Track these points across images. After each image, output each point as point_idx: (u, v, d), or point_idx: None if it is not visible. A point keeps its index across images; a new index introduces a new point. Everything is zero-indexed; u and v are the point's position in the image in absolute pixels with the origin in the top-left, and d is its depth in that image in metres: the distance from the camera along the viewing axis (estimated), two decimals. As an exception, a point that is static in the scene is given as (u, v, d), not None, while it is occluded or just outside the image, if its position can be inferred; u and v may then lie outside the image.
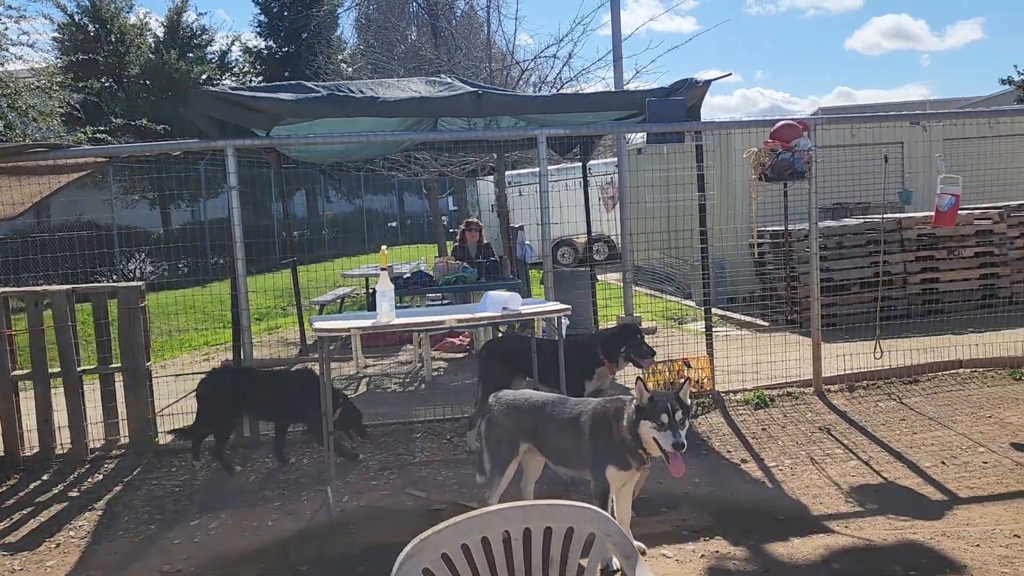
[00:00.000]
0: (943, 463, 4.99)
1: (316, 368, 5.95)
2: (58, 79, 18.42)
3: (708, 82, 6.39)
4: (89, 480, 5.60)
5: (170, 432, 6.01)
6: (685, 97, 6.26)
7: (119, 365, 6.00)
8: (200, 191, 20.32)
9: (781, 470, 5.06)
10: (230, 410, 5.69)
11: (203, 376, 5.95)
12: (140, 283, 6.03)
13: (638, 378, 3.58)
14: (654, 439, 3.45)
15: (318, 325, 4.56)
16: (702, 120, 6.51)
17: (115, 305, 5.99)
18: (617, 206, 17.00)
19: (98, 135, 17.81)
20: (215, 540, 4.45)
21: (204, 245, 18.54)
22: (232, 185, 5.92)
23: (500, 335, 9.22)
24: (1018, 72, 25.79)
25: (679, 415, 3.43)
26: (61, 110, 18.50)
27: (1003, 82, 26.86)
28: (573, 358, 5.30)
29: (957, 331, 8.15)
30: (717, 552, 3.94)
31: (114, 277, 17.56)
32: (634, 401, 3.52)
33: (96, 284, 6.20)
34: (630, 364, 5.57)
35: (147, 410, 6.02)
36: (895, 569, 3.66)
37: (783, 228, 9.48)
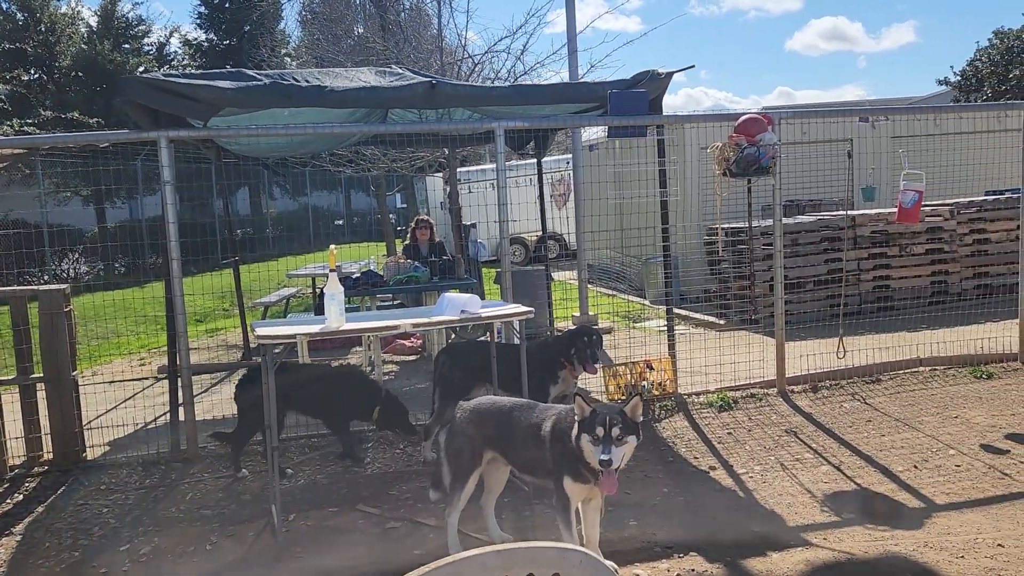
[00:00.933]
0: (915, 467, 4.86)
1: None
2: (-19, 69, 17.45)
3: (670, 74, 6.17)
4: (8, 500, 5.12)
5: (209, 436, 5.57)
6: (647, 90, 6.04)
7: (41, 375, 5.51)
8: (137, 187, 19.51)
9: (752, 477, 4.86)
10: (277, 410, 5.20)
11: (241, 377, 5.61)
12: (64, 286, 5.56)
13: (577, 392, 3.49)
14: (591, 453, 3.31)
15: (261, 331, 4.19)
16: (665, 113, 6.30)
17: (36, 309, 5.51)
18: (568, 203, 16.84)
19: (25, 128, 16.92)
20: (146, 568, 4.05)
21: (141, 244, 17.80)
22: (167, 179, 5.49)
23: (454, 338, 8.91)
24: (954, 73, 26.49)
25: (616, 431, 3.30)
26: (-14, 102, 17.57)
27: (940, 82, 27.57)
28: (536, 363, 5.03)
29: (911, 328, 8.13)
30: (693, 570, 3.70)
31: (45, 278, 16.71)
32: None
33: (13, 287, 5.68)
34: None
35: (73, 423, 5.55)
36: (880, 585, 3.48)
37: (746, 225, 9.36)
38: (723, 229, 10.09)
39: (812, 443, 5.41)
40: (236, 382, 5.69)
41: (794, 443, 5.43)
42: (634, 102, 5.93)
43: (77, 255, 18.15)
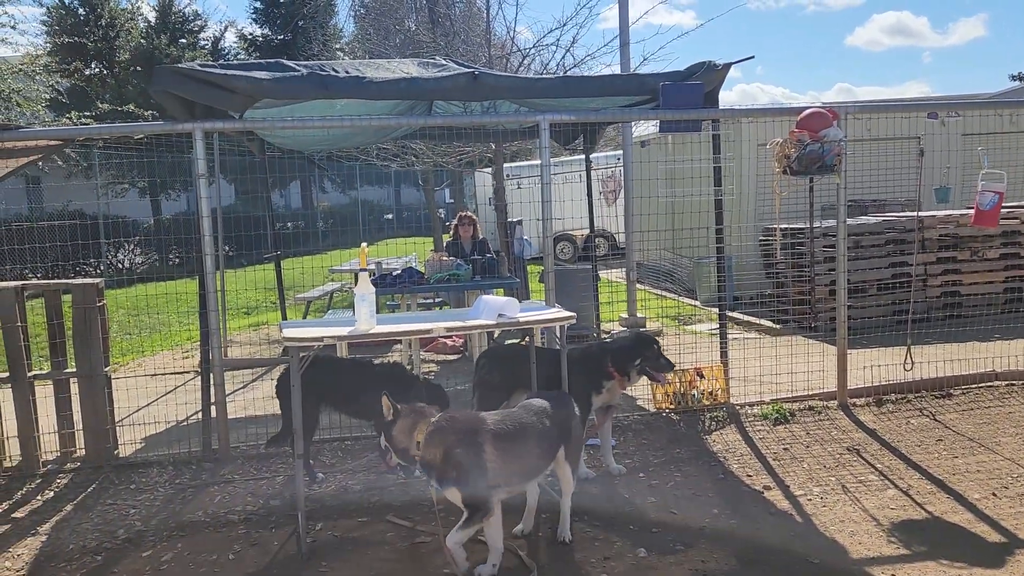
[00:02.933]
0: (994, 495, 4.43)
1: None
2: (42, 62, 17.77)
3: (728, 65, 5.81)
4: (39, 497, 5.03)
5: (265, 445, 5.36)
6: (703, 82, 5.68)
7: (74, 370, 5.42)
8: (192, 180, 19.75)
9: (810, 500, 4.50)
10: (313, 406, 5.03)
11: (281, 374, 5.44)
12: (98, 280, 5.45)
13: (384, 393, 3.63)
14: None
15: (288, 333, 3.99)
16: (721, 107, 5.94)
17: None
18: (619, 200, 16.46)
19: (83, 121, 17.19)
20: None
21: (194, 237, 17.98)
22: (201, 172, 5.34)
23: (496, 339, 8.66)
24: (1030, 68, 25.22)
25: None
26: (46, 95, 17.89)
27: (1013, 78, 26.37)
28: (580, 370, 4.75)
29: (982, 338, 7.61)
30: (745, 606, 3.38)
31: (100, 268, 17.00)
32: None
33: (48, 281, 5.60)
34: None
35: (105, 419, 5.45)
36: (957, 633, 3.11)
37: (806, 226, 8.90)
38: (781, 230, 9.63)
39: (877, 463, 5.01)
40: (278, 379, 5.47)
41: (857, 463, 5.04)
42: (688, 95, 5.58)
43: (132, 246, 18.45)
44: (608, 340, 5.31)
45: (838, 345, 6.18)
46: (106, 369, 5.46)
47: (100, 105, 20.36)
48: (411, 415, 3.61)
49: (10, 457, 5.44)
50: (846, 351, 6.17)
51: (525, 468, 3.74)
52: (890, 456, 5.12)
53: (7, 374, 5.34)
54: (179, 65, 5.46)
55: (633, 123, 10.38)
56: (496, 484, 3.56)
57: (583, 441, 4.55)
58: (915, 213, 8.49)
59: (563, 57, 10.61)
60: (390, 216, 28.40)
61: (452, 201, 22.19)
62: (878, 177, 8.64)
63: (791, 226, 9.53)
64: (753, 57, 6.69)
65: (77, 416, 5.53)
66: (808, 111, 5.56)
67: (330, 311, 10.67)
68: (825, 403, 6.16)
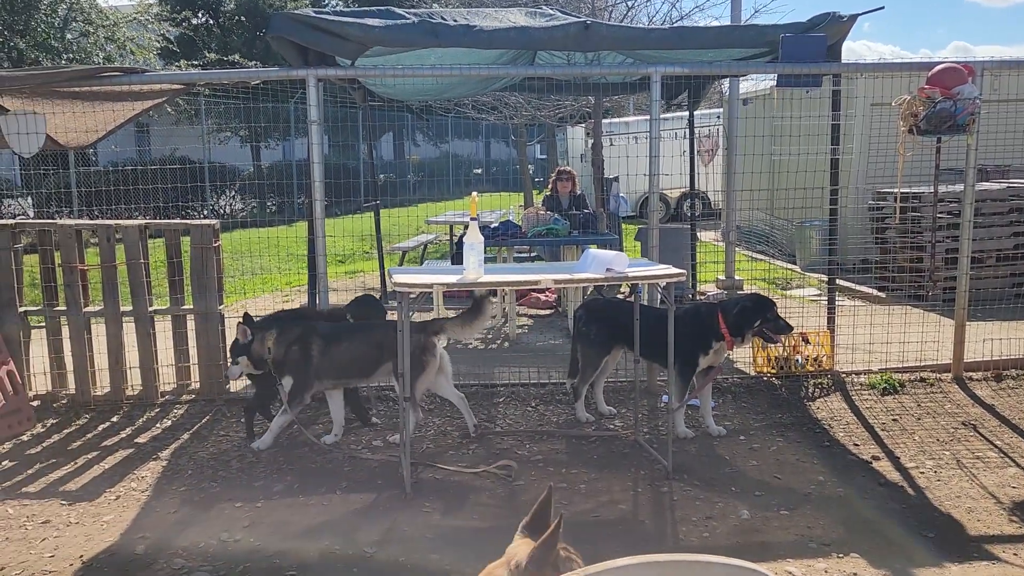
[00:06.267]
0: None
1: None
2: (154, 11, 18.37)
3: (854, 17, 5.50)
4: (157, 426, 5.33)
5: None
6: (825, 34, 5.40)
7: (191, 307, 5.68)
8: (290, 130, 20.17)
9: (922, 473, 4.33)
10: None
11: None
12: (215, 221, 5.66)
13: (239, 321, 4.78)
14: None
15: (398, 279, 4.05)
16: (843, 62, 5.64)
17: (189, 243, 5.65)
18: (715, 160, 16.00)
19: (192, 69, 17.76)
20: (278, 508, 4.06)
21: (292, 184, 18.45)
22: (313, 119, 5.43)
23: (591, 294, 8.61)
24: None
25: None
26: (158, 44, 18.54)
27: None
28: (688, 329, 4.68)
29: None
30: (855, 574, 3.29)
31: (204, 212, 17.70)
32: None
33: (169, 221, 5.85)
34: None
35: (219, 355, 5.70)
36: (1088, 619, 2.96)
37: (929, 190, 8.43)
38: (899, 194, 9.17)
39: (995, 440, 4.77)
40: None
41: (973, 438, 4.82)
42: (810, 47, 5.32)
43: (233, 192, 19.11)
44: (721, 300, 5.20)
45: (956, 315, 5.88)
46: (220, 307, 5.70)
47: (207, 54, 20.97)
48: (262, 331, 4.78)
49: (132, 387, 5.76)
50: (964, 322, 5.87)
51: (346, 368, 4.81)
52: (1010, 433, 4.87)
53: (130, 308, 5.64)
54: (295, 12, 5.54)
55: (739, 79, 10.00)
56: (319, 376, 4.75)
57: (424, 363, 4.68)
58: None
59: (669, 10, 10.29)
60: (479, 171, 28.49)
61: (544, 156, 22.06)
62: (1004, 141, 8.08)
63: (907, 190, 9.05)
64: (883, 8, 6.20)
65: (193, 351, 5.80)
66: (941, 66, 5.22)
67: (426, 262, 10.82)
68: (938, 375, 5.90)
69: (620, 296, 8.39)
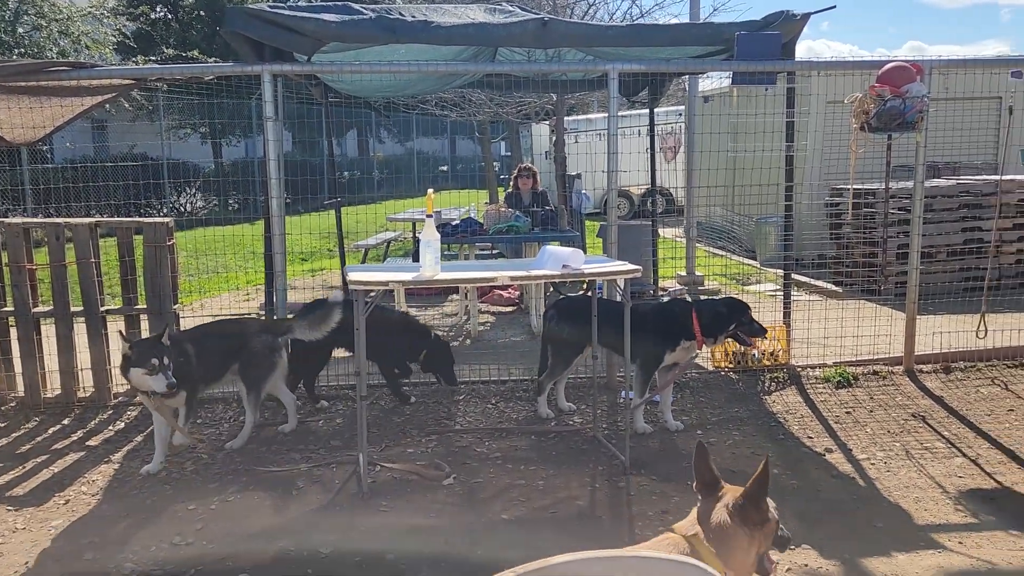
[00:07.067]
0: (1068, 468, 4.30)
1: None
2: (110, 5, 17.99)
3: (807, 15, 5.58)
4: (110, 428, 5.23)
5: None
6: (780, 32, 5.47)
7: (144, 307, 5.57)
8: (252, 126, 19.90)
9: (873, 464, 4.41)
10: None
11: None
12: (168, 219, 5.56)
13: (119, 331, 4.52)
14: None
15: (353, 276, 4.02)
16: (797, 60, 5.72)
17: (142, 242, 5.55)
18: (678, 157, 16.13)
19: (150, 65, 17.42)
20: (233, 509, 4.01)
21: (254, 181, 18.21)
22: (269, 115, 5.36)
23: (552, 291, 8.61)
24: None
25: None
26: (114, 39, 18.16)
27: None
28: (661, 326, 4.73)
29: (1057, 308, 7.30)
30: (806, 567, 3.35)
31: (164, 211, 17.38)
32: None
33: (121, 219, 5.74)
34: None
35: (174, 356, 5.59)
36: (1028, 604, 3.04)
37: (879, 187, 8.59)
38: (852, 190, 9.34)
39: (943, 431, 4.88)
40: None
41: (923, 429, 4.92)
42: (765, 45, 5.38)
43: (194, 190, 18.79)
44: (697, 300, 5.25)
45: (907, 309, 6.00)
46: (175, 307, 5.60)
47: (165, 50, 20.59)
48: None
49: (84, 388, 5.65)
50: (915, 316, 5.99)
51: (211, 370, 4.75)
52: (958, 424, 4.99)
53: (81, 308, 5.52)
54: (250, 6, 5.46)
55: (699, 77, 10.09)
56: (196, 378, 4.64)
57: (266, 366, 4.83)
58: (994, 176, 8.13)
59: (629, 7, 10.34)
60: (445, 168, 28.39)
61: (509, 154, 22.06)
62: (954, 138, 8.27)
63: (861, 186, 9.22)
64: (835, 7, 6.29)
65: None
66: (890, 65, 5.32)
67: (387, 259, 10.75)
68: (890, 368, 6.02)
69: (581, 293, 8.42)
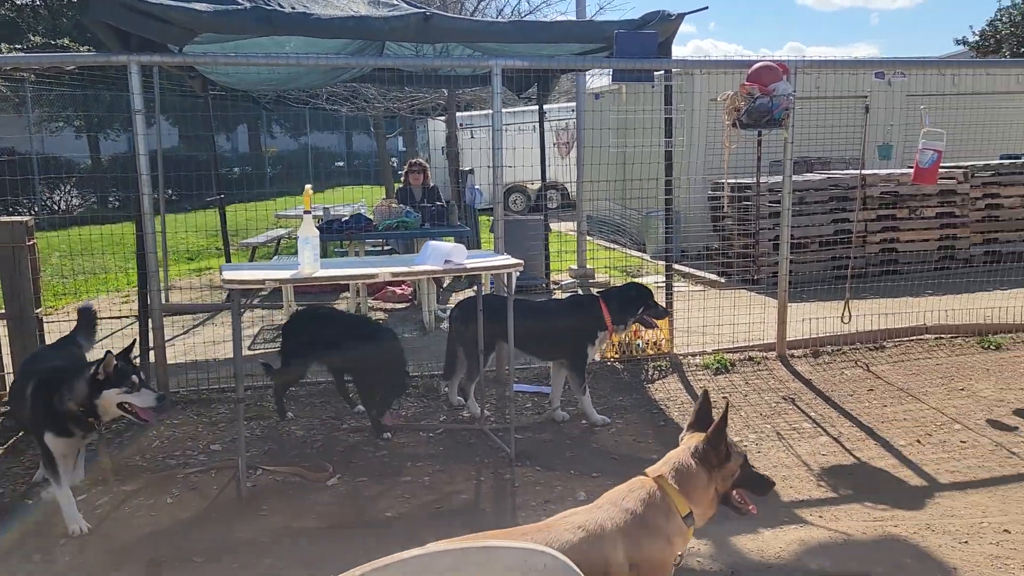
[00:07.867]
0: (918, 441, 4.62)
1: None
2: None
3: (681, 16, 5.78)
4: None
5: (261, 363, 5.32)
6: (657, 31, 5.64)
7: (2, 311, 5.23)
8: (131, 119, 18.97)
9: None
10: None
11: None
12: (27, 218, 5.23)
13: (108, 351, 3.82)
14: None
15: (228, 276, 3.90)
16: (674, 58, 5.91)
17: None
18: (572, 152, 16.41)
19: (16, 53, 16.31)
20: (102, 521, 3.82)
21: (135, 177, 17.34)
22: (137, 108, 5.12)
23: (447, 285, 8.61)
24: (973, 33, 25.63)
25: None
26: (-27, 25, 16.95)
27: (958, 42, 26.71)
28: (574, 322, 4.78)
29: (916, 293, 7.84)
30: (679, 546, 3.47)
31: (34, 209, 16.33)
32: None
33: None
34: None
35: (38, 363, 5.27)
36: (878, 571, 3.25)
37: (753, 180, 9.00)
38: (729, 184, 9.73)
39: (811, 411, 5.17)
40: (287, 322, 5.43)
41: (792, 411, 5.19)
42: (642, 44, 5.53)
43: (69, 187, 17.74)
44: (603, 290, 5.26)
45: (779, 298, 6.31)
46: (37, 311, 5.28)
47: (33, 38, 19.37)
48: None
49: (-64, 400, 5.26)
50: (787, 304, 6.30)
51: None
52: (823, 405, 5.29)
53: (-68, 314, 5.14)
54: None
55: (588, 73, 10.29)
56: None
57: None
58: (858, 171, 8.63)
59: (518, 3, 10.43)
60: (341, 164, 27.88)
61: (404, 149, 21.89)
62: (824, 135, 8.74)
63: (739, 181, 9.63)
64: (707, 8, 6.57)
65: (7, 359, 5.35)
66: (758, 65, 5.57)
67: (276, 257, 10.47)
68: (764, 354, 6.31)
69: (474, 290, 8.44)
